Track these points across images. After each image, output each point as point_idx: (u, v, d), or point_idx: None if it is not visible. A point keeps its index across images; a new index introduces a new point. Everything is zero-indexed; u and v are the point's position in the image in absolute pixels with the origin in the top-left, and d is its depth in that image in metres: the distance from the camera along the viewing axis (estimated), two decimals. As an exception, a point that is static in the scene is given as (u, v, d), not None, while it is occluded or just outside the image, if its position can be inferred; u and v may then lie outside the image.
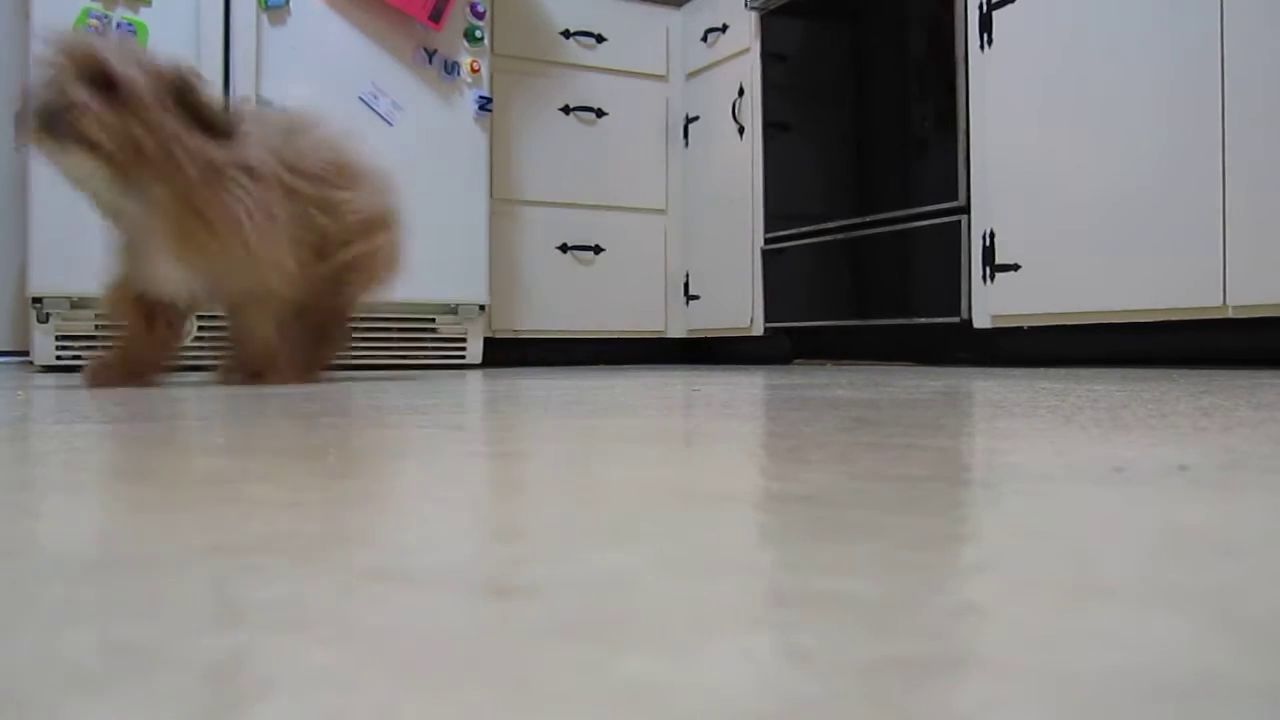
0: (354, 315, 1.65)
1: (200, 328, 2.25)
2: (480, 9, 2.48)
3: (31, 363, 2.23)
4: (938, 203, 2.13)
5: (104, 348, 1.47)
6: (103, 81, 1.17)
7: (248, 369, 1.42)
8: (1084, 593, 0.24)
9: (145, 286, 1.35)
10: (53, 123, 1.16)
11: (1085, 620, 0.22)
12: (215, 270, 1.32)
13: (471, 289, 2.50)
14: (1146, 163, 1.74)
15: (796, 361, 2.69)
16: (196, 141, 1.25)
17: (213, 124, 1.27)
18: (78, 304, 2.17)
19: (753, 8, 2.64)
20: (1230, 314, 1.64)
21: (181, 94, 1.25)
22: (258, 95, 2.25)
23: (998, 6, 2.00)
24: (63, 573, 0.27)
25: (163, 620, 0.22)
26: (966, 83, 2.07)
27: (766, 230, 2.65)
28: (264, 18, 2.26)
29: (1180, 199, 1.69)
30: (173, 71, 1.25)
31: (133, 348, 1.38)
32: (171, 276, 1.33)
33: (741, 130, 2.73)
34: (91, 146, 1.18)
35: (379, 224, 1.54)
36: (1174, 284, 1.70)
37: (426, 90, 2.44)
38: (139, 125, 1.19)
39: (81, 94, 1.15)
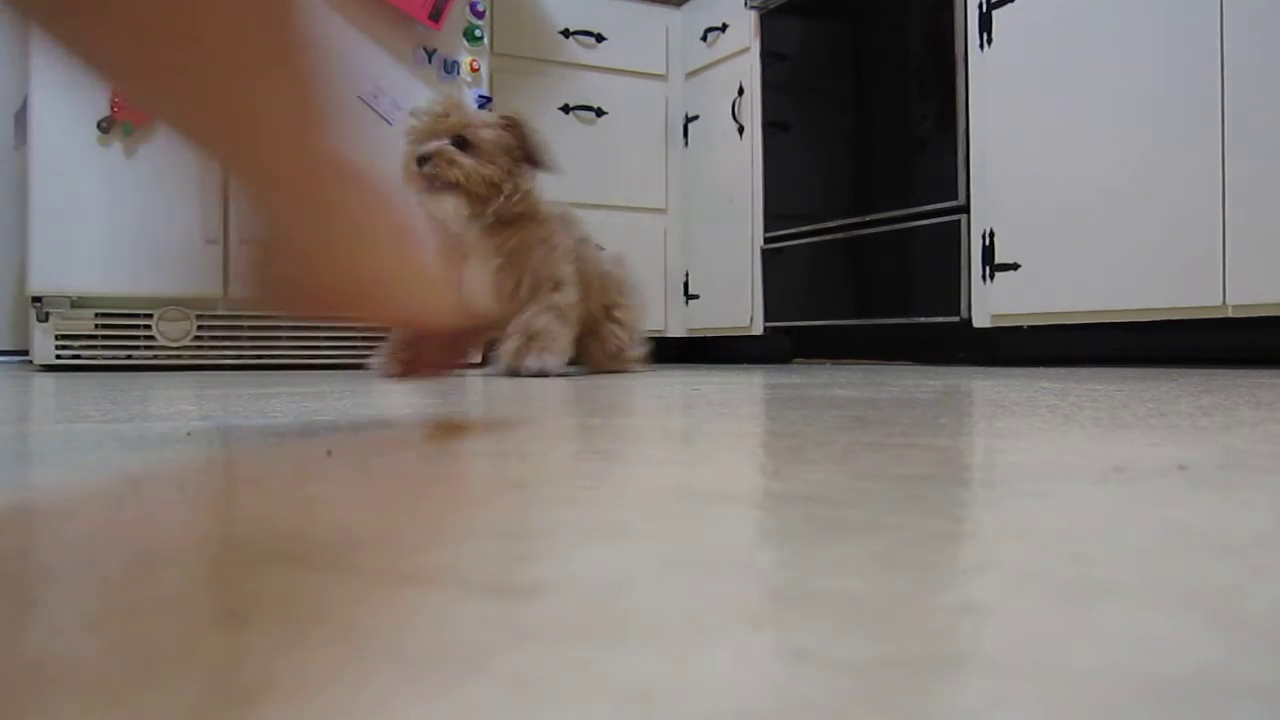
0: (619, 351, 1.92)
1: (201, 328, 2.26)
2: (480, 8, 2.48)
3: (31, 362, 2.23)
4: (937, 202, 2.13)
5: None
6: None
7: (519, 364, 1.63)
8: (1084, 592, 0.24)
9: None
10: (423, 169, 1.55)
11: (1085, 620, 0.22)
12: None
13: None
14: (1146, 162, 1.74)
15: (796, 361, 2.69)
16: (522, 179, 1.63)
17: (536, 157, 1.64)
18: (77, 303, 2.18)
19: (752, 7, 2.64)
20: (1230, 314, 1.64)
21: (521, 137, 1.64)
22: (257, 95, 2.25)
23: (997, 6, 2.00)
24: (65, 571, 0.27)
25: (163, 620, 0.22)
26: (966, 82, 2.07)
27: (766, 229, 2.65)
28: (264, 17, 2.26)
29: (1180, 198, 1.69)
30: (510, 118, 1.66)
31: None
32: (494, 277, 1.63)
33: (741, 130, 2.73)
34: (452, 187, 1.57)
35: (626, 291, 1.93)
36: (1174, 283, 1.70)
37: (426, 90, 2.43)
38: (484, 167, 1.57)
39: (437, 146, 1.56)
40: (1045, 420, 0.71)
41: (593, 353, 1.88)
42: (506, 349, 1.63)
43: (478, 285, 1.53)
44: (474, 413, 0.88)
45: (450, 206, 1.58)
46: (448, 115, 1.59)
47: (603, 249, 1.96)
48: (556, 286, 1.65)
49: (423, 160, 1.55)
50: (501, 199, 1.60)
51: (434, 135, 1.58)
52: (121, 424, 0.74)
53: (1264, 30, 1.57)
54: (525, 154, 1.65)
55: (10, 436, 0.67)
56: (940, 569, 0.27)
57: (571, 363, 1.78)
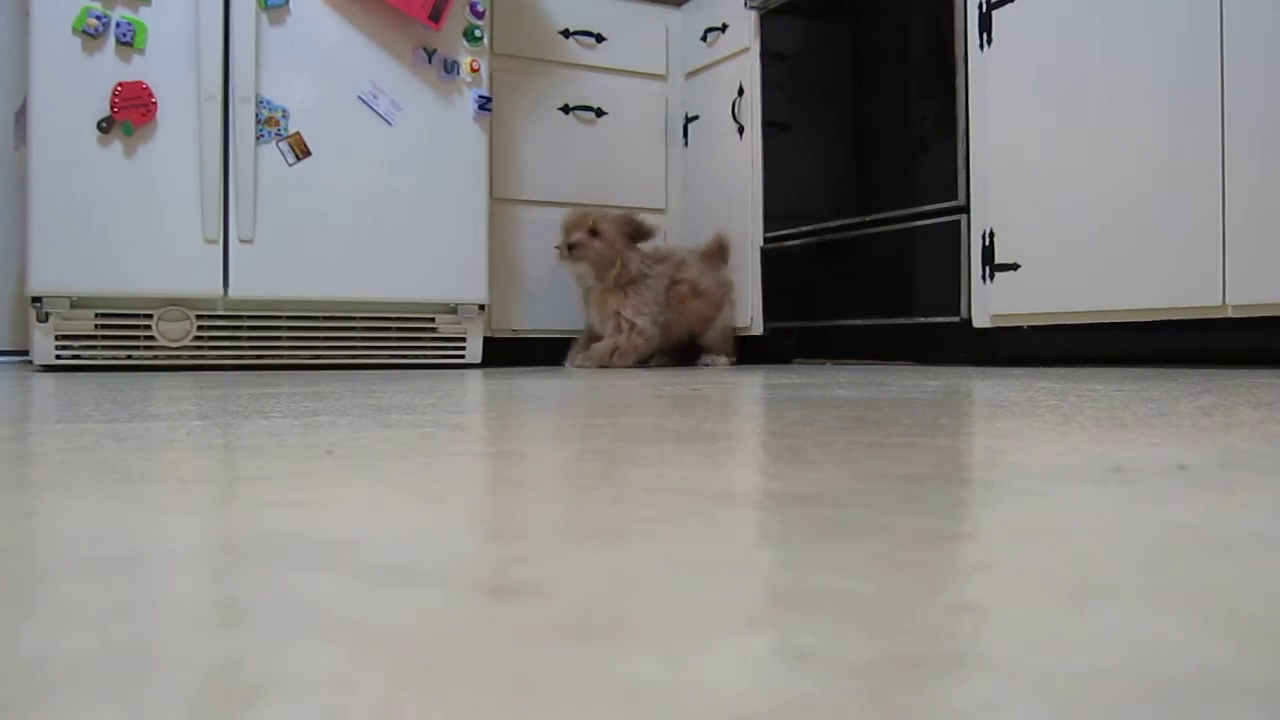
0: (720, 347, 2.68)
1: (201, 328, 2.26)
2: (480, 8, 2.48)
3: (31, 362, 2.23)
4: (937, 202, 2.13)
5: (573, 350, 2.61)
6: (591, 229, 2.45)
7: (597, 362, 2.46)
8: (1084, 593, 0.24)
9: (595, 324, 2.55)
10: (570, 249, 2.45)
11: (1085, 620, 0.22)
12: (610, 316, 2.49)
13: (471, 289, 2.50)
14: (1146, 162, 1.74)
15: (796, 361, 2.69)
16: (629, 256, 2.47)
17: (642, 235, 2.49)
18: (77, 303, 2.17)
19: (752, 7, 2.64)
20: (1230, 314, 1.64)
21: (632, 227, 2.48)
22: (257, 95, 2.25)
23: (997, 6, 2.00)
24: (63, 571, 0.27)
25: (163, 620, 0.22)
26: (966, 82, 2.07)
27: (766, 230, 2.65)
28: (263, 17, 2.26)
29: (1180, 198, 1.69)
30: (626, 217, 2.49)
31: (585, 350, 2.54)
32: (603, 319, 2.50)
33: (741, 130, 2.73)
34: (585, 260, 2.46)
35: (722, 301, 2.67)
36: (1174, 283, 1.70)
37: (426, 90, 2.43)
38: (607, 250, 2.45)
39: (579, 236, 2.44)
40: (1045, 420, 0.71)
41: (697, 349, 2.64)
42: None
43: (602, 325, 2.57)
44: (473, 412, 0.88)
45: (584, 271, 2.46)
46: (586, 215, 2.45)
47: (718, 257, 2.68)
48: (630, 330, 2.45)
49: (570, 246, 2.43)
50: (615, 271, 2.43)
51: (576, 228, 2.43)
52: (121, 424, 0.74)
53: (1264, 30, 1.57)
54: (635, 232, 2.45)
55: (10, 436, 0.67)
56: (940, 569, 0.27)
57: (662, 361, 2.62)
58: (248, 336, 2.32)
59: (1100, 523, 0.33)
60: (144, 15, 2.16)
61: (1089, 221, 1.84)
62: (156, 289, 2.21)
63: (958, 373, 1.71)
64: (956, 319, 2.09)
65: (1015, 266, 1.98)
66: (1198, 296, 1.67)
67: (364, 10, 2.35)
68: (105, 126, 2.14)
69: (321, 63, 2.32)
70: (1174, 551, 0.29)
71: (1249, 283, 1.60)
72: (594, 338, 2.54)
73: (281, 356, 2.36)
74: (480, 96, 2.48)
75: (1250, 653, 0.19)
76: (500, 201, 2.67)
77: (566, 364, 2.55)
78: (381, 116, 2.39)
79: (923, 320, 2.18)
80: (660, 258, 2.56)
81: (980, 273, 2.05)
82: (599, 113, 2.82)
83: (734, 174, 2.76)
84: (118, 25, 2.14)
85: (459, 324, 2.52)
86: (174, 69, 2.19)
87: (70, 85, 2.12)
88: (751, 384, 1.39)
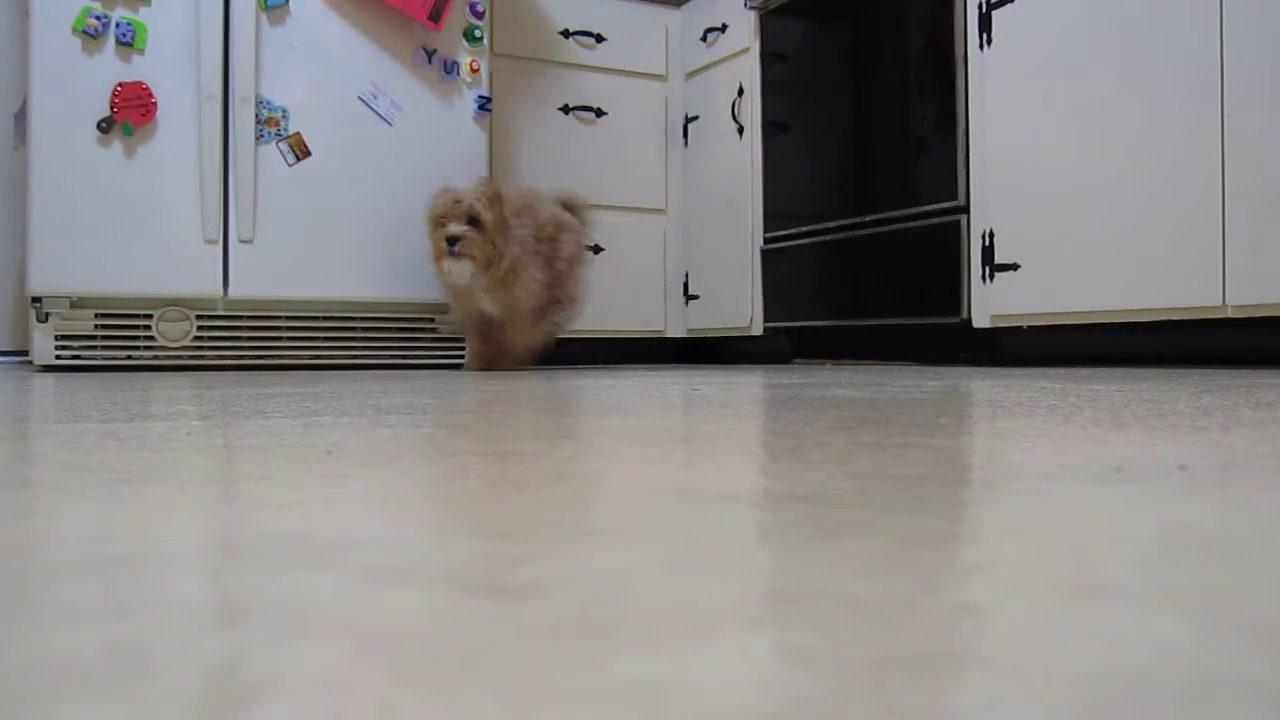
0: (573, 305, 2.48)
1: (201, 327, 2.26)
2: (480, 8, 2.48)
3: (31, 362, 2.23)
4: (937, 202, 2.13)
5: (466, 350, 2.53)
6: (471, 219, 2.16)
7: (508, 357, 2.34)
8: (1084, 593, 0.24)
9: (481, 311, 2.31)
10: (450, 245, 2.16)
11: (1085, 620, 0.22)
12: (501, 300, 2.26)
13: (471, 289, 2.50)
14: (1146, 162, 1.74)
15: (796, 361, 2.69)
16: (510, 240, 2.20)
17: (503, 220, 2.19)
18: (77, 303, 2.17)
19: (752, 7, 2.64)
20: (1230, 314, 1.64)
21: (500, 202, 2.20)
22: (257, 95, 2.25)
23: (997, 6, 2.00)
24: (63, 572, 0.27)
25: (163, 620, 0.22)
26: (966, 82, 2.07)
27: (766, 230, 2.65)
28: (263, 17, 2.26)
29: (1180, 198, 1.69)
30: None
31: (483, 348, 2.37)
32: (489, 307, 2.27)
33: (741, 130, 2.73)
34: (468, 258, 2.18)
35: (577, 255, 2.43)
36: (1174, 284, 1.70)
37: (426, 90, 2.43)
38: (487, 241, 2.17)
39: (459, 227, 2.15)
40: (1045, 420, 0.71)
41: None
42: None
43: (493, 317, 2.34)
44: (472, 412, 0.88)
45: (466, 269, 2.17)
46: (460, 201, 2.15)
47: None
48: (524, 295, 2.25)
49: (452, 240, 2.14)
50: (501, 267, 2.18)
51: (453, 218, 2.15)
52: (121, 424, 0.74)
53: (1264, 30, 1.57)
54: (502, 222, 2.18)
55: (10, 436, 0.67)
56: (940, 569, 0.27)
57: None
58: (247, 336, 2.32)
59: (1100, 523, 0.33)
60: (144, 15, 2.16)
61: (1089, 221, 1.84)
62: (156, 289, 2.21)
63: (958, 373, 1.71)
64: (956, 319, 2.09)
65: (1015, 266, 1.98)
66: (1198, 296, 1.67)
67: (364, 10, 2.35)
68: (105, 127, 2.14)
69: (321, 63, 2.32)
70: (1174, 551, 0.29)
71: (1249, 283, 1.60)
72: (483, 330, 2.32)
73: (281, 356, 2.36)
74: (480, 97, 2.48)
75: (1251, 653, 0.19)
76: (500, 202, 2.67)
77: (467, 363, 2.45)
78: (381, 117, 2.38)
79: (923, 320, 2.18)
80: (517, 211, 2.27)
81: (980, 273, 2.05)
82: (599, 113, 2.82)
83: (734, 174, 2.76)
84: (118, 25, 2.14)
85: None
86: (174, 69, 2.19)
87: (70, 85, 2.12)
88: (751, 384, 1.39)
